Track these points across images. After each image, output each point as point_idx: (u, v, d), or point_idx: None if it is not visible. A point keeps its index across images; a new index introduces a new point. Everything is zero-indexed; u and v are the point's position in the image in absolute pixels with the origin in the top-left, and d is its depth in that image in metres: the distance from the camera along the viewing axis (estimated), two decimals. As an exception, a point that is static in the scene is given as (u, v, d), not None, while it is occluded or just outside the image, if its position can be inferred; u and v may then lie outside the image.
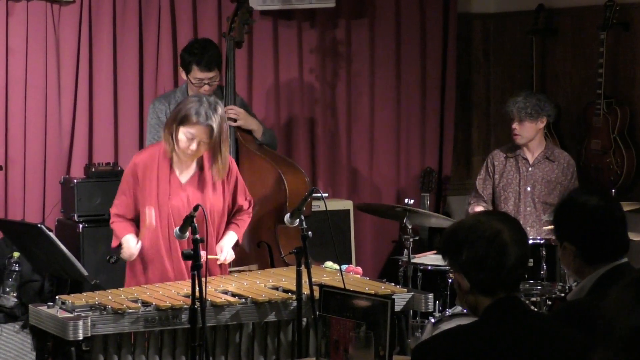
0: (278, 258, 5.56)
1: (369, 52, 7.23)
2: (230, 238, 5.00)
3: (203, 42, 5.83)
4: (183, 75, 5.75)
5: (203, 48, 5.72)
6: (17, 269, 5.71)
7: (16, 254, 5.72)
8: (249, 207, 5.07)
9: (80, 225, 6.02)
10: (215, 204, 4.90)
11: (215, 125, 4.73)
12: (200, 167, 4.91)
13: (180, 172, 4.90)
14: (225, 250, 4.94)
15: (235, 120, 5.77)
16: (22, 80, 6.34)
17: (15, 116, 6.32)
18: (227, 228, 5.00)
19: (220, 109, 4.79)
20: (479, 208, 6.37)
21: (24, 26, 6.32)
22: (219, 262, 4.92)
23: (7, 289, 5.67)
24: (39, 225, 5.08)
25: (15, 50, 6.31)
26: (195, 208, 4.36)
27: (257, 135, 5.86)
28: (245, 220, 5.08)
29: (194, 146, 4.76)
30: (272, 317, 4.52)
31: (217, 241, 4.95)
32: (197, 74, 5.66)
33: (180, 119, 4.75)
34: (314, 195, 4.76)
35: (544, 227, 6.14)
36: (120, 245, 4.90)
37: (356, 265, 5.97)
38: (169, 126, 4.82)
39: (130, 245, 4.84)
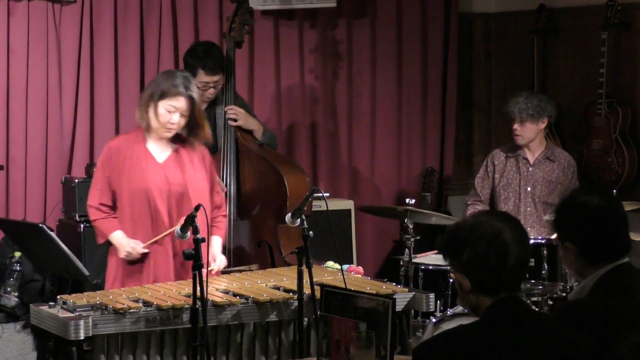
0: (279, 258, 5.56)
1: (370, 52, 7.23)
2: (218, 243, 5.03)
3: (207, 46, 5.84)
4: None
5: (208, 52, 5.75)
6: (18, 269, 5.71)
7: (17, 254, 5.72)
8: (222, 205, 5.09)
9: (81, 225, 6.01)
10: (197, 181, 4.93)
11: (195, 96, 4.83)
12: (176, 149, 4.94)
13: (156, 153, 4.92)
14: (218, 258, 4.97)
15: (235, 120, 5.78)
16: (24, 80, 6.34)
17: (16, 116, 6.32)
18: (211, 232, 5.02)
19: (193, 81, 4.88)
20: (478, 209, 6.37)
21: (25, 26, 6.32)
22: (213, 272, 4.93)
23: (9, 289, 5.67)
24: (40, 225, 5.08)
25: (17, 50, 6.31)
26: (197, 208, 4.36)
27: (257, 136, 5.87)
28: (223, 222, 5.12)
29: (175, 118, 4.82)
30: (273, 317, 4.52)
31: (207, 223, 4.96)
32: (203, 77, 5.69)
33: (160, 93, 4.81)
34: (315, 195, 4.76)
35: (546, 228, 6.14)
36: (107, 243, 4.90)
37: (357, 265, 5.97)
38: (145, 104, 4.85)
39: (122, 242, 4.84)
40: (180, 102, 4.81)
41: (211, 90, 5.75)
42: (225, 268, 5.06)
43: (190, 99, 4.81)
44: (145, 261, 4.87)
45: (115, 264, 4.91)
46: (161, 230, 4.84)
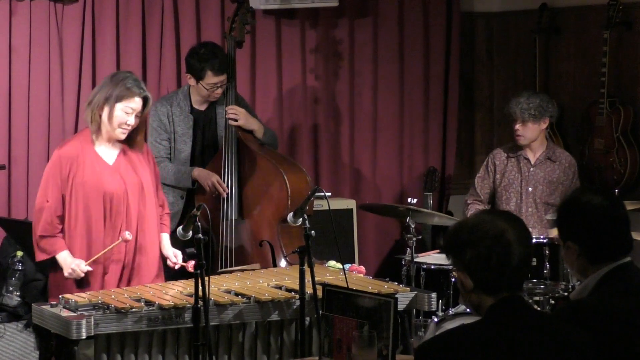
0: (280, 257, 5.56)
1: (372, 51, 7.23)
2: (167, 240, 5.07)
3: (211, 46, 5.84)
4: (191, 81, 5.76)
5: (213, 52, 5.75)
6: (20, 268, 5.71)
7: (19, 253, 5.72)
8: (164, 203, 5.14)
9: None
10: (147, 181, 4.96)
11: (148, 95, 4.88)
12: (123, 150, 4.96)
13: (106, 155, 4.93)
14: (173, 252, 5.01)
15: (236, 120, 5.77)
16: (26, 80, 6.34)
17: (18, 115, 6.32)
18: (160, 230, 5.06)
19: (142, 82, 4.93)
20: (478, 208, 6.36)
21: (27, 25, 6.32)
22: (177, 266, 4.95)
23: (11, 288, 5.67)
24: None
25: (19, 49, 6.31)
26: (199, 207, 4.37)
27: (258, 135, 5.86)
28: (168, 219, 5.15)
29: (131, 120, 4.85)
30: (275, 317, 4.52)
31: (155, 222, 4.99)
32: (211, 79, 5.70)
33: (117, 96, 4.83)
34: (317, 194, 4.76)
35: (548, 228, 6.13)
36: (49, 260, 4.89)
37: (359, 264, 5.96)
38: (99, 107, 4.84)
39: (67, 262, 4.81)
40: (137, 104, 4.84)
41: (219, 91, 5.75)
42: (226, 268, 5.06)
43: (146, 99, 4.86)
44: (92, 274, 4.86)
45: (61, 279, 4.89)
46: (115, 232, 4.83)
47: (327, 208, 4.80)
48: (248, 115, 5.84)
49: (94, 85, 6.50)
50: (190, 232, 4.47)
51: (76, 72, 6.46)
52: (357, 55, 7.20)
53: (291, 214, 4.77)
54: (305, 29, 7.06)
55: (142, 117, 4.91)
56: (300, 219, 4.65)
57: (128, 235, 4.78)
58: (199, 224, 4.29)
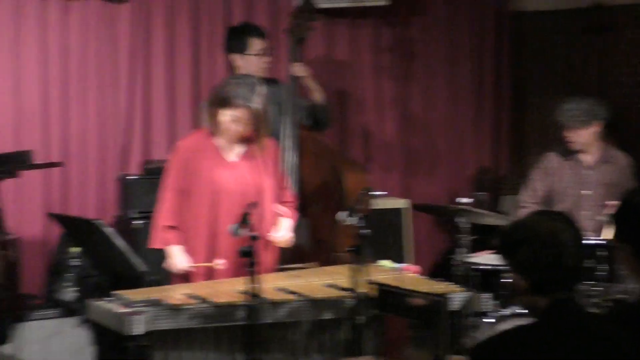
0: (336, 256, 5.57)
1: (423, 50, 7.22)
2: (286, 222, 5.05)
3: (242, 22, 6.03)
4: (237, 60, 5.78)
5: (247, 23, 5.93)
6: (76, 264, 5.78)
7: (76, 249, 5.78)
8: (292, 201, 5.10)
9: (137, 222, 6.07)
10: (268, 182, 4.96)
11: (254, 106, 4.82)
12: (245, 147, 4.96)
13: (227, 153, 4.95)
14: (281, 230, 4.98)
15: (301, 76, 5.82)
16: (80, 78, 6.41)
17: (74, 114, 6.40)
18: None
19: (260, 90, 4.86)
20: (532, 209, 6.32)
21: (81, 24, 6.39)
22: (274, 241, 4.95)
23: (67, 284, 5.74)
24: (96, 221, 5.12)
25: (73, 48, 6.38)
26: (252, 205, 4.39)
27: (317, 99, 5.90)
28: (292, 212, 5.11)
29: (235, 127, 4.84)
30: (328, 315, 4.53)
31: (272, 220, 4.98)
32: (257, 45, 5.77)
33: (219, 101, 4.83)
34: (371, 193, 4.76)
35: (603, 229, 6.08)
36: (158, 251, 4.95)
37: (412, 264, 5.96)
38: (209, 109, 4.89)
39: (177, 261, 4.88)
40: (239, 112, 4.83)
41: (266, 58, 5.81)
42: (284, 265, 5.06)
43: (249, 109, 4.82)
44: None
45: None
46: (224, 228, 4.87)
47: (380, 207, 4.80)
48: (312, 75, 5.88)
49: (147, 83, 6.56)
50: (244, 230, 4.48)
51: (129, 70, 6.52)
52: (408, 54, 7.19)
53: (344, 212, 4.77)
54: (356, 28, 7.07)
55: (259, 117, 4.86)
56: (353, 217, 4.66)
57: (220, 264, 4.82)
58: (252, 221, 4.31)
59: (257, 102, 4.83)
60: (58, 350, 5.59)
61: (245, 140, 4.94)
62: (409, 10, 7.19)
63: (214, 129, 4.90)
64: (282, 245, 5.00)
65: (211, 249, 4.89)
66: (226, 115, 4.83)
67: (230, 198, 4.82)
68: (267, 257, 4.96)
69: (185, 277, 4.90)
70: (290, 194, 5.13)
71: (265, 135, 4.96)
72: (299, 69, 5.83)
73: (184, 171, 4.92)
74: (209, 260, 4.88)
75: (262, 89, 4.88)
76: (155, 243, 4.98)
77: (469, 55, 7.33)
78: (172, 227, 4.94)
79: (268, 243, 4.96)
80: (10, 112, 6.23)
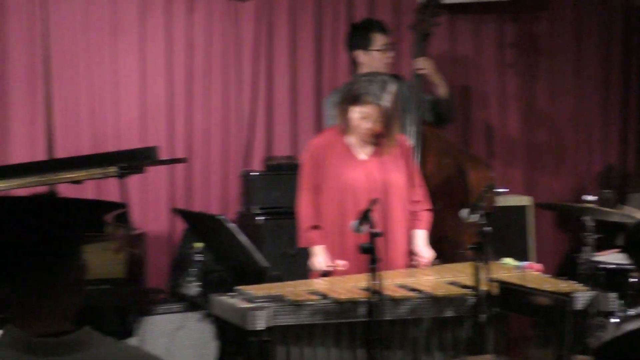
0: (458, 253, 5.53)
1: (548, 45, 7.11)
2: (421, 237, 5.03)
3: (364, 19, 5.99)
4: (360, 57, 5.79)
5: (370, 19, 5.91)
6: (200, 259, 5.85)
7: (199, 245, 5.85)
8: (422, 200, 5.06)
9: (260, 218, 6.12)
10: (397, 179, 4.94)
11: (385, 104, 4.80)
12: (376, 145, 4.95)
13: (358, 150, 4.95)
14: (423, 252, 4.98)
15: (424, 69, 5.81)
16: (204, 75, 6.49)
17: (198, 110, 6.48)
18: (412, 226, 5.01)
19: (390, 88, 4.84)
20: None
21: (205, 22, 6.47)
22: (422, 263, 4.91)
23: (191, 279, 5.81)
24: (220, 216, 5.17)
25: (197, 44, 6.47)
26: (374, 202, 4.39)
27: (441, 93, 5.89)
28: (426, 215, 5.07)
29: (365, 125, 4.83)
30: (449, 313, 4.50)
31: (403, 218, 4.95)
32: (380, 39, 5.78)
33: (351, 98, 4.84)
34: (494, 190, 4.71)
35: None
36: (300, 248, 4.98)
37: (535, 262, 5.87)
38: (341, 106, 4.90)
39: (318, 260, 4.92)
40: (369, 109, 4.82)
41: (390, 54, 5.81)
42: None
43: (379, 107, 4.80)
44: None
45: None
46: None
47: (502, 205, 4.74)
48: (436, 69, 5.85)
49: (269, 80, 6.61)
50: (365, 226, 4.48)
51: (252, 67, 6.58)
52: (532, 48, 7.09)
53: (466, 210, 4.73)
54: (481, 23, 7.00)
55: (389, 115, 4.85)
56: (475, 215, 4.61)
57: (341, 266, 4.84)
58: (374, 218, 4.30)
59: (387, 100, 4.81)
60: (182, 344, 5.66)
61: (376, 137, 4.94)
62: (534, 5, 7.09)
63: (345, 127, 4.91)
64: (427, 264, 4.96)
65: (340, 247, 4.90)
66: (356, 113, 4.83)
67: (359, 196, 4.82)
68: (396, 255, 4.95)
69: (325, 276, 4.92)
70: (421, 192, 5.09)
71: (396, 132, 4.94)
72: (423, 63, 5.81)
73: (315, 169, 4.96)
74: (340, 257, 4.89)
75: (393, 87, 4.87)
76: (300, 242, 5.04)
77: (595, 51, 7.19)
78: (314, 227, 4.97)
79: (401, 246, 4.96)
80: (136, 109, 6.35)
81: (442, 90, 5.90)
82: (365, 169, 4.93)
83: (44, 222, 2.18)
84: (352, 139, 4.95)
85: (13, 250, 2.16)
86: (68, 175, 5.05)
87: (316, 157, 4.97)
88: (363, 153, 4.96)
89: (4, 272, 2.17)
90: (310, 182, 4.99)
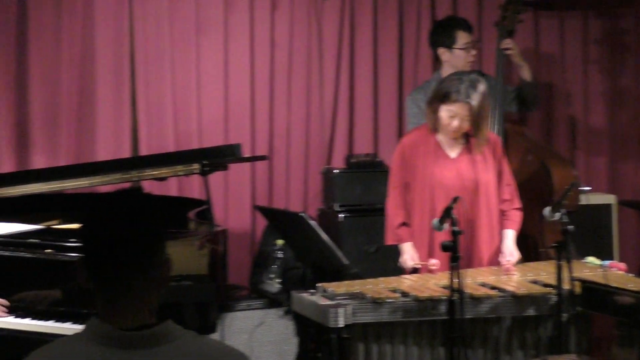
0: (541, 252, 5.49)
1: (635, 41, 7.00)
2: (510, 236, 4.98)
3: (448, 16, 6.00)
4: (444, 55, 5.78)
5: (454, 16, 5.91)
6: (281, 256, 5.88)
7: (280, 242, 5.88)
8: (512, 199, 5.03)
9: (341, 215, 6.13)
10: (487, 177, 4.93)
11: (474, 103, 4.78)
12: (467, 142, 4.95)
13: (448, 148, 4.94)
14: (508, 252, 4.92)
15: (511, 50, 5.81)
16: (286, 73, 6.52)
17: (279, 107, 6.51)
18: (502, 226, 4.99)
19: (481, 87, 4.81)
20: None
21: (288, 19, 6.50)
22: (507, 264, 4.86)
23: (271, 275, 5.85)
24: (301, 214, 5.19)
25: (280, 43, 6.50)
26: (455, 200, 4.37)
27: (526, 76, 5.88)
28: (516, 214, 5.03)
29: (454, 123, 4.82)
30: (531, 312, 4.46)
31: (491, 217, 4.92)
32: (464, 37, 5.77)
33: (441, 96, 4.83)
34: (577, 189, 4.66)
35: None
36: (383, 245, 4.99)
37: (619, 261, 5.80)
38: (430, 104, 4.89)
39: (406, 257, 4.92)
40: (459, 108, 4.80)
41: (474, 51, 5.80)
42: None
43: (469, 106, 4.78)
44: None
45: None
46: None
47: (586, 203, 4.69)
48: (520, 53, 5.85)
49: (351, 77, 6.62)
50: (447, 224, 4.46)
51: (335, 65, 6.59)
52: (618, 46, 7.00)
53: (548, 208, 4.69)
54: (565, 20, 6.93)
55: (478, 114, 4.82)
56: (557, 213, 4.56)
57: (434, 265, 4.84)
58: (456, 216, 4.29)
59: (476, 99, 4.78)
60: (262, 341, 5.69)
61: (466, 136, 4.92)
62: (619, 1, 6.99)
63: (434, 125, 4.90)
64: (512, 265, 4.92)
65: (430, 245, 4.90)
66: (445, 111, 4.82)
67: (448, 193, 4.79)
68: (482, 253, 4.92)
69: (414, 273, 4.91)
70: (511, 190, 5.05)
71: (486, 131, 4.91)
72: (508, 43, 5.78)
73: (404, 167, 4.97)
74: (428, 255, 4.89)
75: (483, 86, 4.84)
76: (388, 240, 5.04)
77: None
78: (403, 224, 4.98)
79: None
80: (220, 106, 6.40)
81: (526, 73, 5.88)
82: (456, 167, 4.92)
83: (133, 218, 2.21)
84: (442, 137, 4.95)
85: (102, 245, 2.19)
86: (152, 172, 5.11)
87: (406, 156, 4.97)
88: (453, 151, 4.95)
89: (93, 267, 2.21)
90: (399, 180, 5.00)
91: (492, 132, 5.10)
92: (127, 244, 2.19)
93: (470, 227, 4.86)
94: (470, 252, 4.89)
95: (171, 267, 2.26)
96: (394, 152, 5.11)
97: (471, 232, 4.87)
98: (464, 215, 4.74)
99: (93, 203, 2.24)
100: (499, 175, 5.00)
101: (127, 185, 5.30)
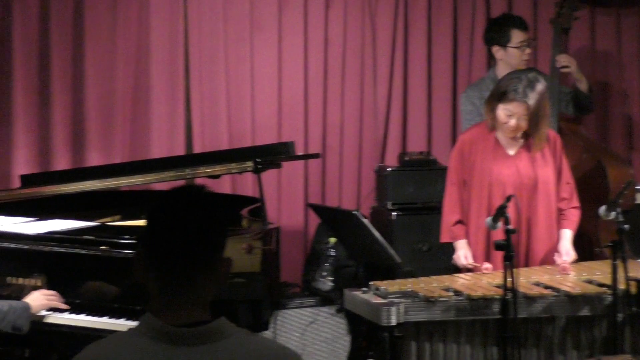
0: (596, 251, 5.44)
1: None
2: (566, 236, 4.94)
3: (503, 14, 5.96)
4: (498, 53, 5.75)
5: (509, 14, 5.84)
6: (333, 254, 5.88)
7: (332, 240, 5.88)
8: (570, 197, 4.99)
9: (393, 213, 6.12)
10: (546, 175, 4.90)
11: (532, 103, 4.75)
12: (526, 140, 4.92)
13: (507, 146, 4.92)
14: (564, 251, 4.89)
15: (567, 67, 5.77)
16: (340, 70, 6.52)
17: (332, 105, 6.52)
18: (559, 225, 4.95)
19: (539, 86, 4.78)
20: None
21: (342, 17, 6.50)
22: (563, 264, 4.84)
23: (324, 273, 5.85)
24: (354, 212, 5.19)
25: (334, 40, 6.50)
26: (508, 198, 4.35)
27: (583, 88, 5.83)
28: (574, 214, 4.98)
29: (512, 122, 4.80)
30: (585, 311, 4.42)
31: (549, 216, 4.89)
32: (519, 36, 5.73)
33: (498, 95, 4.81)
34: (632, 188, 4.62)
35: None
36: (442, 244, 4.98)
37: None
38: (489, 103, 4.87)
39: (461, 255, 4.91)
40: (516, 108, 4.77)
41: (528, 50, 5.76)
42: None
43: (526, 105, 4.74)
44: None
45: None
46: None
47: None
48: (578, 67, 5.80)
49: (405, 75, 6.61)
50: (500, 223, 4.44)
51: (388, 62, 6.59)
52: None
53: (603, 207, 4.64)
54: (622, 17, 6.87)
55: (535, 113, 4.79)
56: (612, 212, 4.52)
57: (486, 268, 4.82)
58: (509, 215, 4.26)
59: (533, 98, 4.74)
60: (314, 339, 5.70)
61: (525, 134, 4.90)
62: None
63: (492, 123, 4.88)
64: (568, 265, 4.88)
65: (487, 243, 4.88)
66: (502, 110, 4.80)
67: (506, 191, 4.77)
68: (538, 252, 4.89)
69: (469, 271, 4.90)
70: (569, 189, 5.01)
71: (544, 130, 4.88)
72: (566, 59, 5.74)
73: (462, 164, 4.96)
74: (485, 253, 4.87)
75: (542, 85, 4.80)
76: (444, 237, 5.04)
77: None
78: (459, 221, 4.97)
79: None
80: (273, 104, 6.42)
81: (583, 86, 5.82)
82: (515, 165, 4.89)
83: (199, 214, 2.23)
84: (500, 135, 4.92)
85: (169, 240, 2.21)
86: (206, 170, 5.13)
87: (464, 153, 4.96)
88: (512, 149, 4.92)
89: (157, 262, 2.22)
90: (457, 177, 4.99)
91: (552, 129, 5.06)
92: (193, 240, 2.20)
93: (527, 225, 4.83)
94: (528, 250, 4.86)
95: (231, 264, 2.27)
96: (453, 149, 5.10)
97: (528, 229, 4.85)
98: (522, 213, 4.71)
99: (157, 199, 2.26)
100: (558, 173, 4.96)
101: (181, 183, 5.34)
